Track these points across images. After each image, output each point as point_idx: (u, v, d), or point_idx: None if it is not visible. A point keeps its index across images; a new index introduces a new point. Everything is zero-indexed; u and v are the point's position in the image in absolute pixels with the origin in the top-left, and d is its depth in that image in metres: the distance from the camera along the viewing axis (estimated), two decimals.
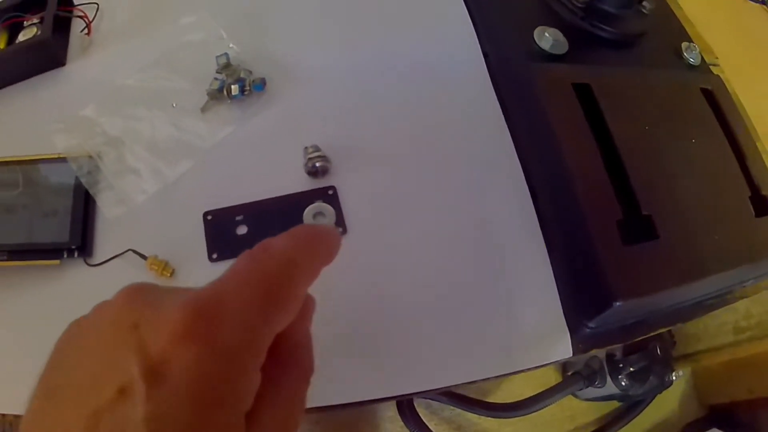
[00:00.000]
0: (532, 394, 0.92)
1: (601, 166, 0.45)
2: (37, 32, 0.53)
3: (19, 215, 0.47)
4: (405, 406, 0.94)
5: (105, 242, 0.46)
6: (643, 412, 1.08)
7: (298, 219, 0.45)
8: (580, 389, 0.98)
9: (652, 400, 1.07)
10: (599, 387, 0.99)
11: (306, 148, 0.45)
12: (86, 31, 0.53)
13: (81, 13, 0.53)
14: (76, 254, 0.45)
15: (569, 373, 1.04)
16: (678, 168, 0.48)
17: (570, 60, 0.51)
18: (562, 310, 0.44)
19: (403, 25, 0.55)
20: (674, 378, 1.01)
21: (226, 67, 0.48)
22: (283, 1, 0.55)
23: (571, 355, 0.43)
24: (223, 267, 0.43)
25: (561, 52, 0.51)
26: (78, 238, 0.45)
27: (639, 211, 0.44)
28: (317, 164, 0.45)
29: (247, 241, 0.44)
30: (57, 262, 0.45)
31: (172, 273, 0.44)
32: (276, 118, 0.49)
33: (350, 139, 0.48)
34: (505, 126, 0.50)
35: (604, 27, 0.55)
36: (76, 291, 0.44)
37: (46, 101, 0.51)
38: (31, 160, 0.48)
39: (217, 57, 0.48)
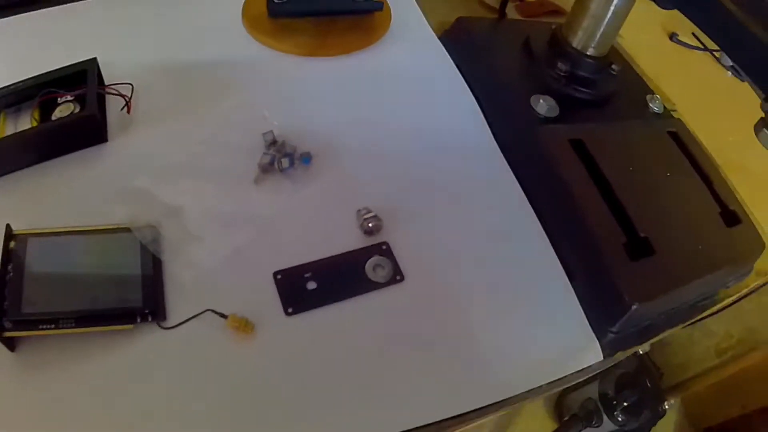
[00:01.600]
0: None
1: (602, 201, 0.60)
2: (74, 109, 0.57)
3: (87, 283, 0.49)
4: None
5: (176, 306, 0.51)
6: None
7: (361, 272, 0.54)
8: (579, 431, 1.05)
9: None
10: (597, 426, 1.07)
11: (359, 210, 0.55)
12: (126, 109, 0.56)
13: (119, 93, 0.57)
14: (149, 318, 0.49)
15: (566, 418, 1.10)
16: (661, 196, 0.63)
17: (562, 121, 0.66)
18: (588, 323, 0.56)
19: (419, 106, 0.68)
20: (666, 407, 1.10)
21: (273, 143, 0.54)
22: (314, 86, 0.66)
23: (602, 359, 0.55)
24: (299, 320, 0.49)
25: (554, 115, 0.66)
26: (151, 302, 0.50)
27: (637, 234, 0.58)
28: (371, 224, 0.53)
29: (318, 295, 0.53)
30: (130, 326, 0.48)
31: (253, 329, 0.47)
32: (324, 187, 0.60)
33: (391, 201, 0.59)
34: (515, 181, 0.64)
35: (584, 90, 0.69)
36: (151, 355, 0.48)
37: (93, 175, 0.56)
38: (93, 230, 0.51)
39: (263, 134, 0.56)
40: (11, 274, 0.48)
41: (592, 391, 1.14)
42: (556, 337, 0.56)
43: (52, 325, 0.46)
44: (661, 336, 0.62)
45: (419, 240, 0.57)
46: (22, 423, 0.43)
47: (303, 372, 0.50)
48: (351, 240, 0.57)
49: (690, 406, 1.28)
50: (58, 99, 0.60)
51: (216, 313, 0.51)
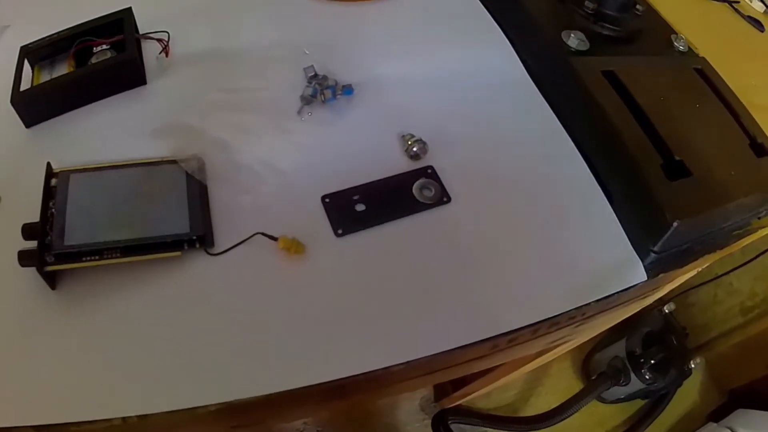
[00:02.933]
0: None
1: (637, 126, 0.59)
2: (111, 55, 0.55)
3: (131, 213, 0.48)
4: (441, 426, 0.94)
5: (224, 233, 0.50)
6: (666, 408, 1.14)
7: (408, 194, 0.53)
8: (607, 389, 1.04)
9: (675, 392, 1.14)
10: (624, 385, 1.06)
11: (403, 136, 0.53)
12: (164, 54, 0.55)
13: (156, 38, 0.56)
14: (197, 245, 0.47)
15: (594, 377, 1.08)
16: (693, 125, 0.63)
17: (593, 54, 0.66)
18: (630, 244, 0.55)
19: (451, 43, 0.67)
20: (693, 366, 1.09)
21: (315, 76, 0.53)
22: (349, 27, 0.66)
23: (646, 278, 0.54)
24: (349, 241, 0.47)
25: (585, 49, 0.66)
26: (198, 228, 0.48)
27: (672, 156, 0.58)
28: (415, 148, 0.52)
29: (367, 216, 0.52)
30: (178, 253, 0.46)
31: (304, 249, 0.45)
32: (367, 116, 0.59)
33: (433, 128, 0.58)
34: (551, 111, 0.63)
35: (611, 27, 0.70)
36: (199, 281, 0.47)
37: (134, 115, 0.54)
38: (136, 163, 0.49)
39: (305, 68, 0.54)
40: (53, 210, 0.46)
41: (619, 349, 1.12)
42: (600, 258, 0.54)
43: (96, 257, 0.44)
44: (699, 260, 0.61)
45: (462, 164, 0.56)
46: (64, 361, 0.41)
47: (354, 292, 0.48)
48: (397, 164, 0.56)
49: (714, 366, 1.25)
50: (94, 48, 0.59)
51: (266, 235, 0.49)
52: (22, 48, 0.58)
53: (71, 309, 0.43)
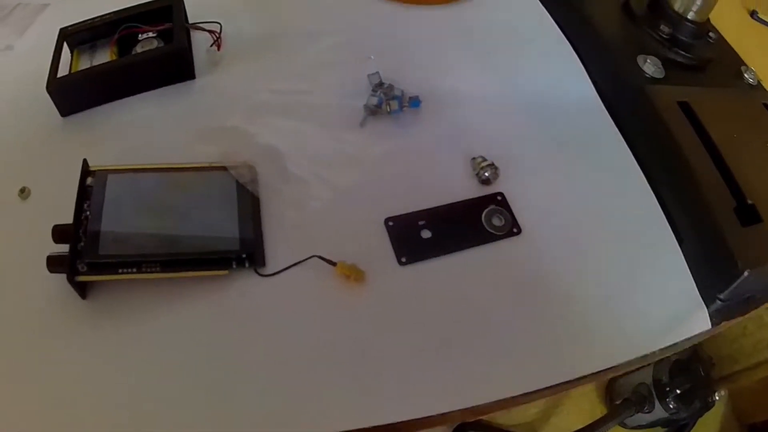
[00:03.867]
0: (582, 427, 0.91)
1: (712, 164, 0.54)
2: (158, 45, 0.50)
3: (175, 224, 0.43)
4: None
5: (276, 252, 0.44)
6: None
7: (478, 222, 0.48)
8: (631, 416, 1.00)
9: (695, 423, 1.09)
10: (647, 413, 1.01)
11: (474, 158, 0.48)
12: (215, 46, 0.50)
13: (207, 29, 0.50)
14: (247, 264, 0.43)
15: (618, 402, 1.04)
16: (764, 166, 0.58)
17: (668, 82, 0.61)
18: (697, 289, 0.50)
19: (521, 60, 0.62)
20: (716, 398, 1.05)
21: (380, 85, 0.48)
22: (416, 33, 0.61)
23: (710, 327, 0.49)
24: (413, 270, 0.42)
25: (660, 76, 0.61)
26: (249, 245, 0.43)
27: (745, 200, 0.53)
28: (487, 173, 0.48)
29: (433, 244, 0.46)
30: (225, 272, 0.42)
31: (363, 277, 0.41)
32: (435, 132, 0.54)
33: (503, 151, 0.52)
34: (622, 140, 0.58)
35: (685, 54, 0.64)
36: (246, 304, 0.42)
37: (180, 112, 0.49)
38: (182, 167, 0.44)
39: (369, 75, 0.50)
40: (88, 212, 0.41)
41: (645, 376, 1.08)
42: (666, 302, 0.50)
43: (134, 269, 0.40)
44: (760, 306, 0.56)
45: (534, 193, 0.51)
46: (84, 377, 0.37)
47: (415, 325, 0.43)
48: (465, 188, 0.50)
49: (737, 399, 1.21)
50: (139, 35, 0.54)
51: (323, 259, 0.43)
52: (61, 30, 0.53)
53: (100, 322, 0.39)
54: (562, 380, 0.44)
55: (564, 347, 0.46)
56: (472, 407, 0.42)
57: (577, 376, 0.45)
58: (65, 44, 0.53)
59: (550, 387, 0.44)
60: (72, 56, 0.54)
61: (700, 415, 1.10)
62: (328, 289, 0.43)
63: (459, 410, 0.42)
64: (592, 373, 0.46)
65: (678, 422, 1.10)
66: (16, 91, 0.52)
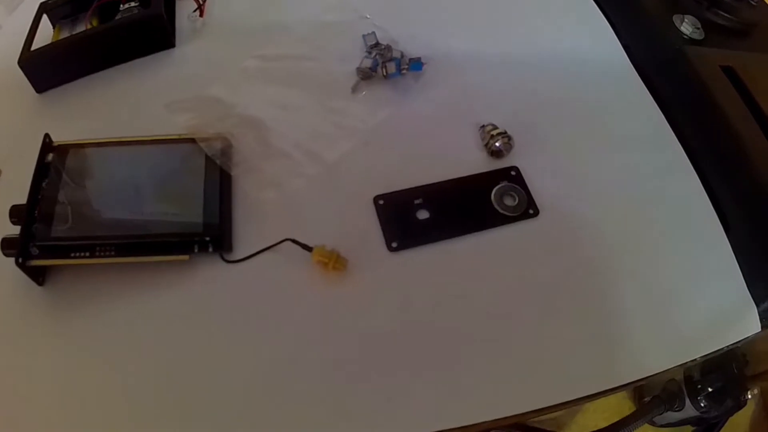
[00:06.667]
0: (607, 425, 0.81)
1: (764, 138, 0.44)
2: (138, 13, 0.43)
3: (134, 203, 0.38)
4: None
5: (246, 235, 0.37)
6: None
7: (485, 200, 0.38)
8: (660, 413, 0.89)
9: (726, 422, 0.98)
10: (678, 410, 0.91)
11: (483, 126, 0.38)
12: (198, 12, 0.43)
13: None
14: (210, 248, 0.36)
15: (647, 399, 0.94)
16: None
17: (708, 45, 0.51)
18: (745, 284, 0.40)
19: (541, 19, 0.53)
20: (749, 397, 0.94)
21: (376, 45, 0.40)
22: None
23: (759, 329, 0.39)
24: (405, 258, 0.34)
25: (700, 38, 0.51)
26: (214, 228, 0.36)
27: None
28: (498, 143, 0.38)
29: (430, 227, 0.37)
30: (185, 258, 0.35)
31: (345, 266, 0.32)
32: (439, 98, 0.44)
33: (519, 119, 0.43)
34: (657, 108, 0.47)
35: (726, 15, 0.55)
36: (208, 294, 0.35)
37: (156, 83, 0.43)
38: (151, 140, 0.38)
39: (364, 36, 0.42)
40: (45, 191, 0.36)
41: (676, 372, 0.97)
42: (709, 301, 0.39)
43: (87, 253, 0.35)
44: None
45: (553, 168, 0.41)
46: (45, 372, 0.33)
47: (405, 326, 0.35)
48: (472, 162, 0.40)
49: None
50: (121, 5, 0.48)
51: (297, 243, 0.36)
52: (41, 4, 0.49)
53: (57, 310, 0.35)
54: (583, 394, 0.35)
55: (589, 356, 0.36)
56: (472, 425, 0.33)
57: (602, 389, 0.36)
58: (48, 19, 0.49)
59: (571, 401, 0.34)
60: (54, 31, 0.49)
61: (731, 414, 0.98)
62: (301, 279, 0.35)
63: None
64: (622, 385, 0.36)
65: (708, 421, 0.99)
66: None
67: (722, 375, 0.95)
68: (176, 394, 0.32)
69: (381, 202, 0.37)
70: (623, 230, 0.40)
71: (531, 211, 0.39)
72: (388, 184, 0.39)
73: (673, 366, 0.37)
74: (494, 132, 0.40)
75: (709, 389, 0.93)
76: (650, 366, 0.36)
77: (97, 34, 0.45)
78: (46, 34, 0.48)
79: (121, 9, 0.48)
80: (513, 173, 0.40)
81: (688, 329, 0.38)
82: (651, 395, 0.98)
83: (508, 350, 0.34)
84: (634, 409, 0.96)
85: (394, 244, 0.36)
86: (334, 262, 0.35)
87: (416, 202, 0.38)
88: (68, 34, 0.48)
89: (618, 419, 0.86)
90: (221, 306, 0.35)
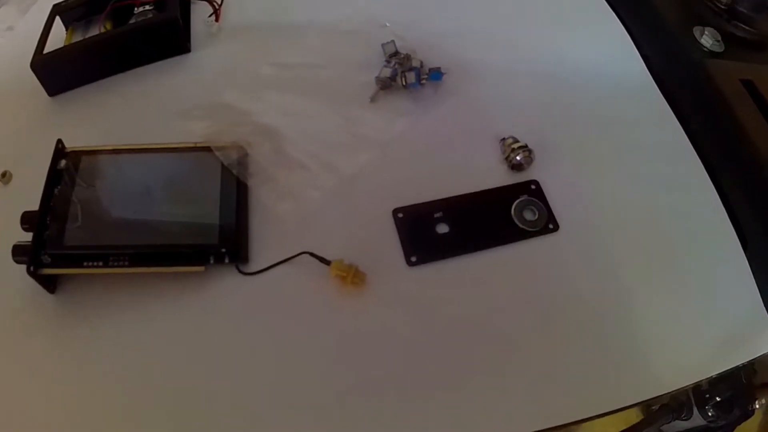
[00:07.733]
0: None
1: None
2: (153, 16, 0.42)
3: (151, 212, 0.37)
4: None
5: (263, 246, 0.36)
6: None
7: (505, 215, 0.37)
8: (668, 422, 0.87)
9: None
10: (685, 419, 0.89)
11: (503, 139, 0.37)
12: (214, 17, 0.42)
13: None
14: (226, 259, 0.35)
15: (655, 407, 0.93)
16: None
17: (726, 58, 0.50)
18: (762, 301, 0.39)
19: (561, 30, 0.52)
20: (757, 406, 0.91)
21: (395, 54, 0.38)
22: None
23: None
24: (424, 273, 0.33)
25: (720, 51, 0.50)
26: (230, 239, 0.35)
27: None
28: (519, 156, 0.37)
29: (450, 241, 0.36)
30: (201, 269, 0.34)
31: (364, 280, 0.31)
32: (459, 109, 0.44)
33: (538, 133, 0.42)
34: (676, 121, 0.46)
35: (746, 28, 0.54)
36: (224, 306, 0.34)
37: (171, 88, 0.43)
38: (163, 148, 0.36)
39: (383, 45, 0.41)
40: (57, 198, 0.35)
41: None
42: (725, 319, 0.39)
43: (100, 263, 0.34)
44: None
45: (574, 182, 0.41)
46: (54, 381, 0.32)
47: (424, 342, 0.33)
48: (492, 175, 0.39)
49: None
50: (135, 8, 0.47)
51: (315, 257, 0.35)
52: (54, 6, 0.48)
53: (68, 320, 0.34)
54: (599, 412, 0.35)
55: (607, 373, 0.35)
56: None
57: (617, 407, 0.35)
58: (61, 22, 0.48)
59: (586, 419, 0.34)
60: (67, 34, 0.48)
61: (739, 424, 0.97)
62: (319, 293, 0.34)
63: None
64: (637, 403, 0.35)
65: (715, 430, 0.99)
66: (7, 72, 0.47)
67: (730, 384, 0.93)
68: (187, 409, 0.31)
69: (400, 215, 0.36)
70: (641, 246, 0.39)
71: (551, 226, 0.38)
72: (407, 197, 0.38)
73: (687, 384, 0.37)
74: (515, 145, 0.39)
75: (717, 398, 0.92)
76: (665, 384, 0.36)
77: (111, 37, 0.44)
78: (58, 36, 0.47)
79: (135, 12, 0.47)
80: (533, 187, 0.39)
81: (703, 347, 0.37)
82: (659, 403, 0.97)
83: (526, 367, 0.34)
84: (641, 417, 0.95)
85: (414, 259, 0.35)
86: (353, 276, 0.34)
87: (436, 215, 0.37)
88: (81, 37, 0.47)
89: (625, 427, 0.85)
90: (237, 319, 0.34)
